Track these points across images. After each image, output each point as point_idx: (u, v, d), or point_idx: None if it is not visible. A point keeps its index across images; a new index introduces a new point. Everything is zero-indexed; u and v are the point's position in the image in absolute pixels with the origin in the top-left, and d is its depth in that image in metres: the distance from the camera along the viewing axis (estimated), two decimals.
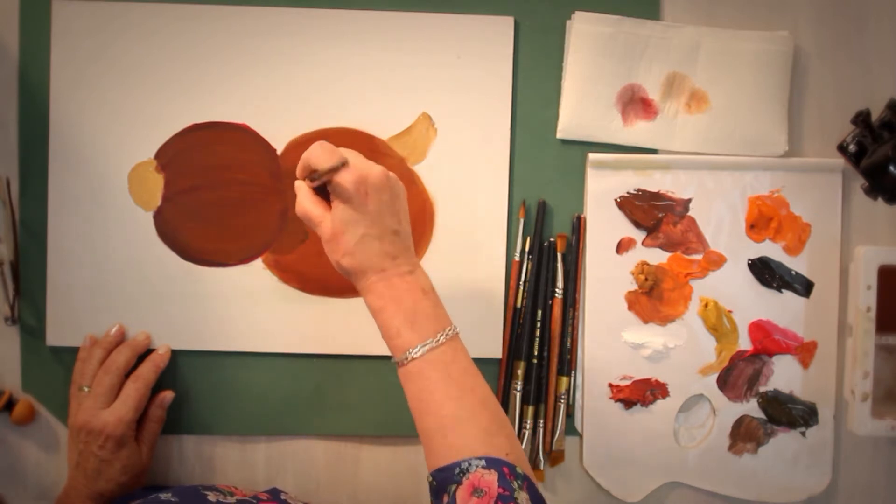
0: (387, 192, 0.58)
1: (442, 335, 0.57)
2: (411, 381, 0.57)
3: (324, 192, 0.59)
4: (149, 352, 0.72)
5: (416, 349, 0.56)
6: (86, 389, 0.68)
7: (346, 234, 0.57)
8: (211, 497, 0.62)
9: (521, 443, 0.74)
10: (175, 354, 0.74)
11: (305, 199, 0.59)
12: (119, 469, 0.67)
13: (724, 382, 0.76)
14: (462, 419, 0.55)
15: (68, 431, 0.69)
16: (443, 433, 0.55)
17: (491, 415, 0.56)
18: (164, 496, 0.59)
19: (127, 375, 0.70)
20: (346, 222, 0.57)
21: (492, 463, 0.53)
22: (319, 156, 0.57)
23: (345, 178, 0.56)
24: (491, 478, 0.52)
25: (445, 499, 0.53)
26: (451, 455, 0.54)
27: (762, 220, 0.75)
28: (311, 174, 0.58)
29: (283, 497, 0.67)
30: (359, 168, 0.57)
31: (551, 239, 0.75)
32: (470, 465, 0.53)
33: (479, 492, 0.52)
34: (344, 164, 0.56)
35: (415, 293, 0.58)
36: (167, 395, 0.72)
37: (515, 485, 0.53)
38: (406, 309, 0.57)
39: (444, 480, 0.53)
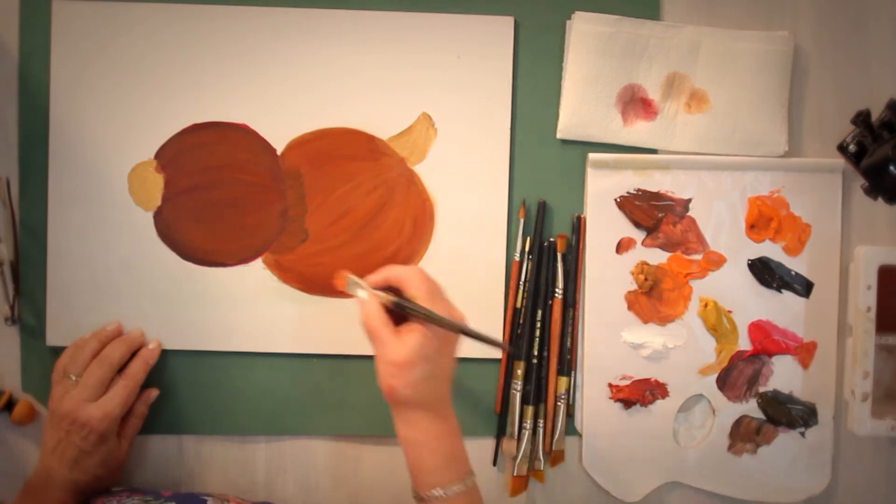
0: (456, 336, 0.62)
1: (468, 479, 0.60)
2: None
3: (391, 311, 0.61)
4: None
5: (446, 489, 0.58)
6: (73, 377, 0.68)
7: (416, 368, 0.58)
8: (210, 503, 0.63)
9: (521, 443, 0.74)
10: (175, 354, 0.74)
11: (376, 316, 0.60)
12: (97, 462, 0.67)
13: (723, 382, 0.76)
14: None
15: (47, 414, 0.68)
16: None
17: None
18: None
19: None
20: (422, 356, 0.58)
21: None
22: (419, 287, 0.60)
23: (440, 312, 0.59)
24: None
25: None
26: None
27: (762, 221, 0.75)
28: (400, 301, 0.60)
29: None
30: (451, 307, 0.61)
31: (551, 239, 0.75)
32: None
33: None
34: (504, 348, 0.60)
35: (453, 436, 0.61)
36: (152, 392, 0.72)
37: None
38: (443, 450, 0.60)
39: None
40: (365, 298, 0.61)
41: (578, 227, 0.75)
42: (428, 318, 0.59)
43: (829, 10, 0.75)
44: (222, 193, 0.73)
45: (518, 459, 0.74)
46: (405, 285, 0.60)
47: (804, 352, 0.76)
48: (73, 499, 0.66)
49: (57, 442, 0.67)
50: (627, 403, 0.75)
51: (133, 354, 0.71)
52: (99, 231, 0.73)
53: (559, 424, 0.75)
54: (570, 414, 0.75)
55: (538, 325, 0.74)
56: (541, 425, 0.75)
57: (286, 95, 0.73)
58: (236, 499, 0.68)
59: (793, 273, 0.75)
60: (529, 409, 0.74)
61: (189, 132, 0.73)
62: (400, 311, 0.60)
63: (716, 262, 0.75)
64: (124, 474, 0.74)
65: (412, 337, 0.58)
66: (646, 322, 0.75)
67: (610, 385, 0.75)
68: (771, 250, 0.75)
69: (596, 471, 0.76)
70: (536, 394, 0.74)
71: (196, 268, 0.73)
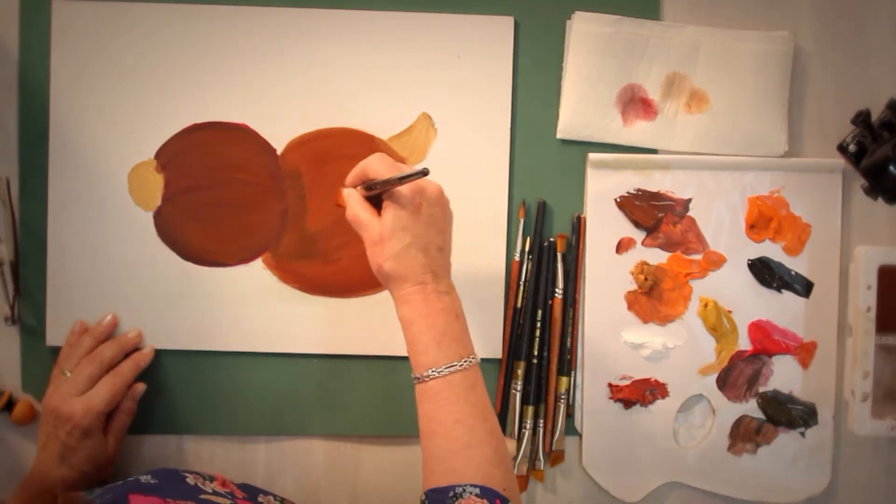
0: (439, 208, 0.60)
1: (466, 361, 0.58)
2: (428, 399, 0.58)
3: (372, 201, 0.62)
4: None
5: (441, 369, 0.58)
6: (68, 374, 0.69)
7: (394, 240, 0.58)
8: (190, 479, 0.63)
9: (521, 443, 0.74)
10: (175, 354, 0.74)
11: (356, 204, 0.61)
12: (83, 458, 0.67)
13: (723, 382, 0.76)
14: (470, 445, 0.56)
15: (41, 412, 0.69)
16: (446, 456, 0.56)
17: (496, 446, 0.57)
18: (143, 478, 0.60)
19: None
20: (396, 228, 0.58)
21: (486, 493, 0.54)
22: (379, 166, 0.60)
23: (403, 186, 0.59)
24: None
25: None
26: (450, 479, 0.55)
27: (762, 221, 0.75)
28: (368, 182, 0.61)
29: (259, 499, 0.68)
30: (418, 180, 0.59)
31: (551, 239, 0.75)
32: (465, 490, 0.54)
33: None
34: (426, 172, 0.57)
35: (448, 315, 0.59)
36: (138, 387, 0.72)
37: None
38: (438, 328, 0.59)
39: (435, 501, 0.54)
40: (347, 194, 0.63)
41: (578, 227, 0.75)
42: (384, 186, 0.59)
43: (829, 10, 0.75)
44: (222, 193, 0.73)
45: (518, 459, 0.74)
46: (369, 171, 0.61)
47: (804, 352, 0.76)
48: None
49: (46, 437, 0.67)
50: (627, 403, 0.75)
51: (127, 356, 0.72)
52: (99, 231, 0.73)
53: (559, 424, 0.75)
54: (570, 414, 0.75)
55: (538, 325, 0.74)
56: (541, 425, 0.75)
57: (286, 95, 0.73)
58: (223, 476, 0.68)
59: (793, 273, 0.75)
60: (529, 409, 0.74)
61: (189, 132, 0.73)
62: (375, 196, 0.61)
63: (716, 262, 0.75)
64: (123, 474, 0.74)
65: (385, 213, 0.59)
66: (646, 322, 0.75)
67: (610, 385, 0.75)
68: (771, 250, 0.75)
69: (596, 471, 0.76)
70: (536, 394, 0.74)
71: (196, 268, 0.73)
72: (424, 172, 0.57)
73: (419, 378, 0.58)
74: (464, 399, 0.57)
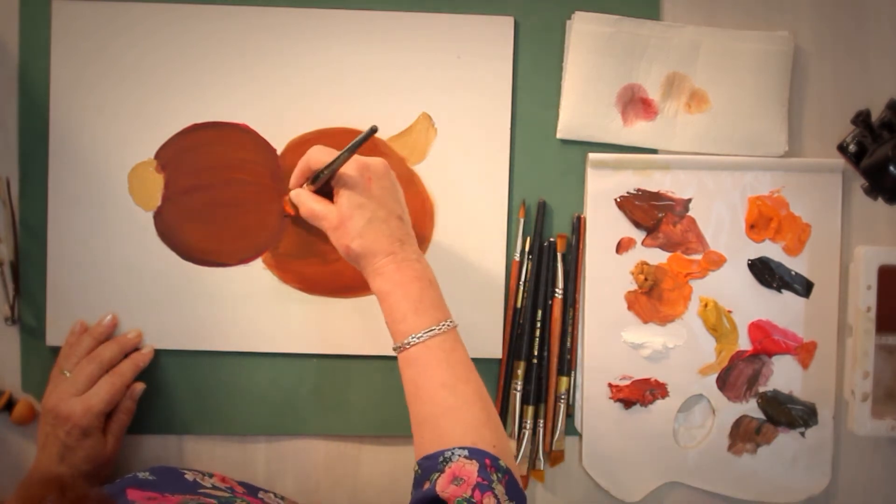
0: (387, 180, 0.62)
1: (444, 325, 0.59)
2: (410, 365, 0.59)
3: (322, 193, 0.64)
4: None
5: (420, 334, 0.58)
6: (67, 374, 0.69)
7: (354, 218, 0.60)
8: (188, 476, 0.63)
9: (521, 443, 0.74)
10: (175, 354, 0.74)
11: (308, 199, 0.64)
12: (82, 457, 0.67)
13: (723, 382, 0.76)
14: (455, 408, 0.57)
15: (41, 411, 0.69)
16: (434, 421, 0.57)
17: (482, 406, 0.58)
18: (141, 475, 0.61)
19: None
20: (353, 207, 0.60)
21: (474, 454, 0.55)
22: (320, 155, 0.62)
23: (348, 168, 0.60)
24: (472, 468, 0.54)
25: (426, 486, 0.54)
26: (439, 444, 0.56)
27: (762, 221, 0.75)
28: (314, 174, 0.63)
29: (259, 495, 0.68)
30: (359, 158, 0.61)
31: (551, 239, 0.75)
32: (453, 454, 0.55)
33: (458, 480, 0.53)
34: (374, 130, 0.58)
35: (422, 281, 0.60)
36: (137, 387, 0.72)
37: (495, 477, 0.54)
38: (413, 295, 0.60)
39: (428, 469, 0.55)
40: (295, 194, 0.65)
41: (578, 227, 0.75)
42: (332, 167, 0.61)
43: (829, 10, 0.75)
44: (222, 193, 0.73)
45: (518, 459, 0.74)
46: (311, 163, 0.63)
47: (804, 352, 0.76)
48: None
49: (45, 437, 0.67)
50: (627, 403, 0.75)
51: (126, 356, 0.72)
52: (99, 231, 0.73)
53: (559, 424, 0.75)
54: (570, 414, 0.75)
55: (538, 325, 0.74)
56: (541, 425, 0.75)
57: (286, 95, 0.73)
58: (221, 474, 0.68)
59: (793, 273, 0.75)
60: (529, 409, 0.74)
61: (189, 132, 0.73)
62: (323, 186, 0.63)
63: (716, 262, 0.75)
64: (123, 473, 0.74)
65: (338, 198, 0.61)
66: (646, 322, 0.75)
67: (610, 385, 0.75)
68: (771, 250, 0.75)
69: (596, 471, 0.76)
70: (536, 394, 0.74)
71: (196, 268, 0.73)
72: (373, 130, 0.58)
73: (400, 347, 0.59)
74: (445, 362, 0.58)
